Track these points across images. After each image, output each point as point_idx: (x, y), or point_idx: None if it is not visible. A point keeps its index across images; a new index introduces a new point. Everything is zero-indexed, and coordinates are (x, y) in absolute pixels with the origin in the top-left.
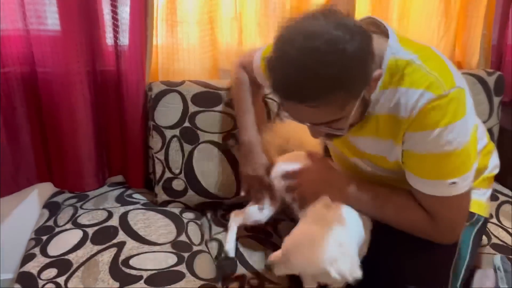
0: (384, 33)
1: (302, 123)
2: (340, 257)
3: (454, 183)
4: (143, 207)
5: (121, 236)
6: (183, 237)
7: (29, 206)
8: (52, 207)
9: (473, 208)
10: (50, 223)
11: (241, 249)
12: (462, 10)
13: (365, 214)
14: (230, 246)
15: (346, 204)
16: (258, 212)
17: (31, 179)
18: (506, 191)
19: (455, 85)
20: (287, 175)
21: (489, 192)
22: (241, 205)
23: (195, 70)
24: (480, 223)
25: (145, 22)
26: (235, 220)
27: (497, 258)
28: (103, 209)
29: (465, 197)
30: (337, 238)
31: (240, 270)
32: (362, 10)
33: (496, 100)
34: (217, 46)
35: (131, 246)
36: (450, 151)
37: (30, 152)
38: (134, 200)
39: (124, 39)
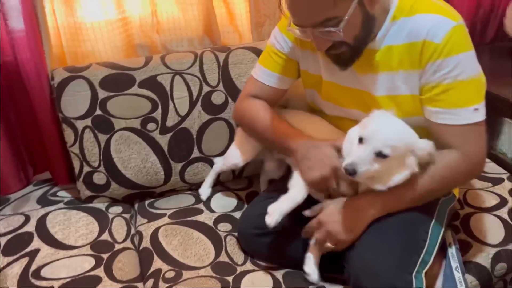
0: None
1: (304, 29)
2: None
3: (476, 109)
4: (66, 206)
5: (36, 243)
6: (105, 236)
7: None
8: None
9: None
10: None
11: (161, 238)
12: None
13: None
14: (202, 190)
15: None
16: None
17: None
18: None
19: (462, 19)
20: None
21: None
22: (174, 190)
23: (106, 50)
24: (454, 201)
25: (32, 2)
26: (216, 165)
27: (448, 234)
28: (21, 213)
29: (484, 125)
30: None
31: (157, 263)
32: None
33: None
34: (128, 20)
35: (45, 253)
36: (472, 77)
37: None
38: (58, 199)
39: (16, 24)
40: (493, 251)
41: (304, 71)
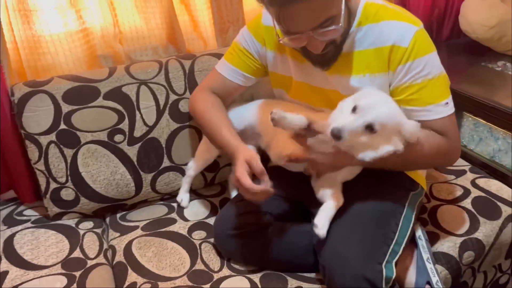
0: None
1: (301, 32)
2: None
3: (447, 103)
4: (33, 225)
5: (4, 265)
6: (76, 253)
7: None
8: None
9: (417, 179)
10: None
11: (134, 251)
12: None
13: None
14: (180, 197)
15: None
16: None
17: None
18: None
19: (421, 23)
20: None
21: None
22: (146, 201)
23: (67, 62)
24: (423, 195)
25: None
26: (189, 170)
27: (418, 227)
28: None
29: (454, 117)
30: None
31: (131, 276)
32: None
33: None
34: (89, 31)
35: (14, 275)
36: (438, 75)
37: None
38: (25, 218)
39: None
40: (459, 240)
41: (273, 72)
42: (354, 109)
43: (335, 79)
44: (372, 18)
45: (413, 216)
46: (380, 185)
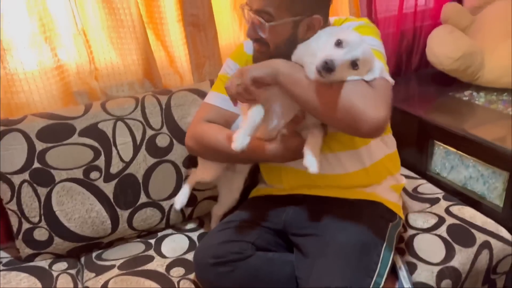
0: None
1: (250, 7)
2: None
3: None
4: (5, 268)
5: None
6: None
7: None
8: None
9: (395, 209)
10: None
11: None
12: None
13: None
14: (177, 198)
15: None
16: None
17: None
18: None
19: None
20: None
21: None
22: (122, 239)
23: (42, 100)
24: (401, 225)
25: None
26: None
27: (397, 257)
28: None
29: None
30: None
31: None
32: None
33: None
34: (64, 69)
35: None
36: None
37: None
38: None
39: None
40: (436, 269)
41: None
42: (338, 44)
43: None
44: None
45: (393, 247)
46: (360, 217)
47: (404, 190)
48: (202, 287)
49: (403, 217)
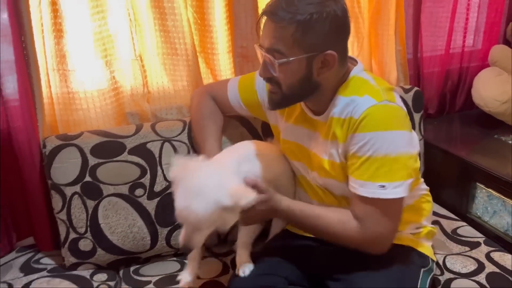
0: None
1: (262, 46)
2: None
3: (383, 186)
4: (49, 274)
5: None
6: None
7: None
8: None
9: (427, 252)
10: None
11: None
12: (372, 29)
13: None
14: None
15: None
16: None
17: None
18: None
19: (395, 102)
20: None
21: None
22: (159, 256)
23: (97, 118)
24: (434, 269)
25: (29, 73)
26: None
27: None
28: (4, 282)
29: (393, 205)
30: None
31: None
32: None
33: (417, 116)
34: (119, 90)
35: None
36: (385, 155)
37: None
38: (41, 266)
39: (11, 95)
40: None
41: (272, 125)
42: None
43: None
44: (352, 91)
45: None
46: (390, 264)
47: (443, 230)
48: None
49: (434, 257)
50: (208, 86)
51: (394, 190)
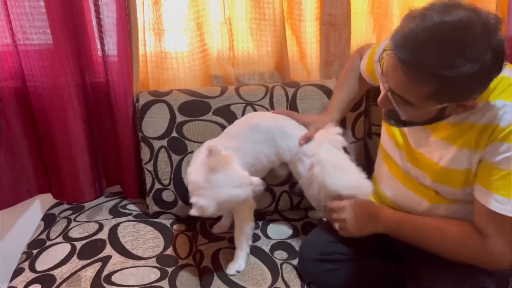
0: None
1: (384, 85)
2: None
3: None
4: (135, 219)
5: (108, 250)
6: (169, 251)
7: (31, 217)
8: (48, 220)
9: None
10: (43, 236)
11: (221, 260)
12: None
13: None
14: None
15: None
16: None
17: (31, 191)
18: None
19: None
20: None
21: None
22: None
23: (185, 78)
24: None
25: (129, 32)
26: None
27: None
28: (95, 221)
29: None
30: None
31: (217, 282)
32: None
33: None
34: (207, 52)
35: (116, 260)
36: None
37: (29, 164)
38: (128, 211)
39: (111, 50)
40: None
41: None
42: None
43: (435, 142)
44: (497, 94)
45: None
46: None
47: None
48: (305, 278)
49: None
50: (360, 48)
51: None
